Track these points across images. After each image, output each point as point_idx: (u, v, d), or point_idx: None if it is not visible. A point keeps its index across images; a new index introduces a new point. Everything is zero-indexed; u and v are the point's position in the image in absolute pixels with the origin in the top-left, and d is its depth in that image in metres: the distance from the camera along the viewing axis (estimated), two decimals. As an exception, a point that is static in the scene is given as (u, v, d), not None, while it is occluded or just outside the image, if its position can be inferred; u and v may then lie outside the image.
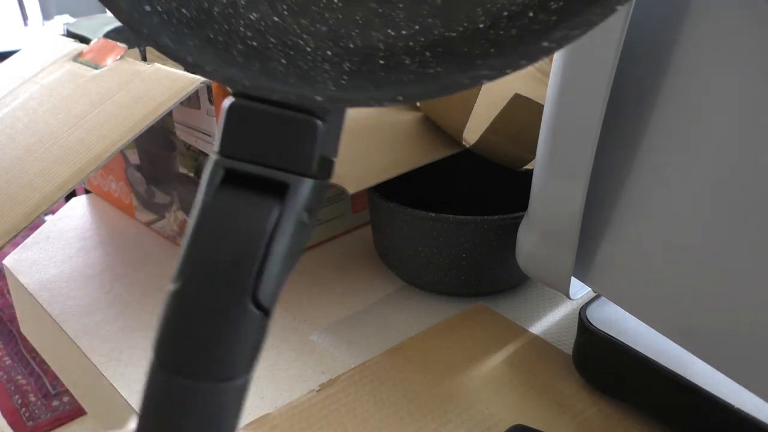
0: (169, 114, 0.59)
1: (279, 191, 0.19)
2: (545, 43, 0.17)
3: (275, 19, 0.20)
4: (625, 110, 0.37)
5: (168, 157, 0.62)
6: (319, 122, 0.19)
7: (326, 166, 0.20)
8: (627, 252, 0.39)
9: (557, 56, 0.38)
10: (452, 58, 0.18)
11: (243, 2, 0.20)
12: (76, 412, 1.51)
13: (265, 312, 0.19)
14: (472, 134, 0.59)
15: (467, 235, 0.53)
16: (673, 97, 0.35)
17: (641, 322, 0.39)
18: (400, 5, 0.19)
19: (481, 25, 0.19)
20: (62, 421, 1.49)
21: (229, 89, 0.19)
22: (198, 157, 0.58)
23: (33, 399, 1.55)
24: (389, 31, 0.19)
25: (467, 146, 0.58)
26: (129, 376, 0.49)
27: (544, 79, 0.73)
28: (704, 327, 0.36)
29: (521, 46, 0.17)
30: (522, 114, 0.50)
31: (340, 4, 0.20)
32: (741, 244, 0.33)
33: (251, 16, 0.20)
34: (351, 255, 0.64)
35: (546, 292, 0.58)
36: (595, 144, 0.36)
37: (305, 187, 0.19)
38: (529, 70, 0.75)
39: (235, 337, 0.18)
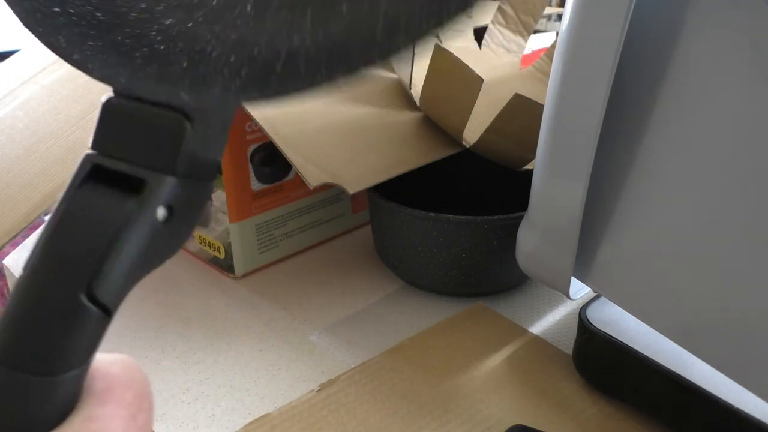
0: (169, 114, 0.59)
1: (137, 188, 0.18)
2: None
3: (189, 25, 0.19)
4: (625, 110, 0.37)
5: (168, 157, 0.62)
6: (186, 122, 0.18)
7: (201, 168, 0.19)
8: (627, 252, 0.39)
9: (557, 56, 0.38)
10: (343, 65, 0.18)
11: (160, 8, 0.20)
12: (76, 412, 1.51)
13: (105, 311, 0.18)
14: (472, 134, 0.59)
15: (467, 235, 0.53)
16: (673, 96, 0.35)
17: (641, 322, 0.39)
18: (307, 14, 0.19)
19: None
20: (62, 421, 1.49)
21: (110, 87, 0.19)
22: (198, 157, 0.58)
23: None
24: (293, 40, 0.19)
25: (467, 146, 0.58)
26: (129, 376, 0.48)
27: (544, 79, 0.73)
28: (704, 327, 0.36)
29: None
30: (522, 114, 0.50)
31: (253, 13, 0.19)
32: (741, 244, 0.33)
33: (166, 22, 0.19)
34: (351, 255, 0.64)
35: (546, 292, 0.58)
36: (595, 144, 0.36)
37: (165, 184, 0.18)
38: (529, 69, 0.75)
39: (64, 332, 0.18)
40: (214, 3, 0.20)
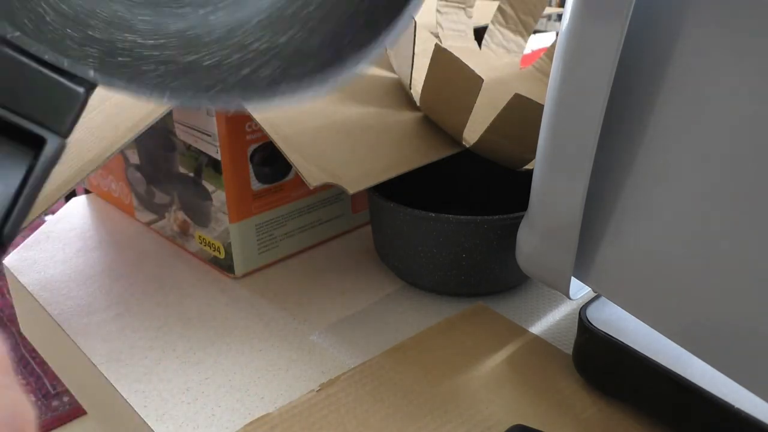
0: (169, 114, 0.59)
1: (35, 143, 0.20)
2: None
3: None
4: (625, 110, 0.37)
5: (168, 157, 0.62)
6: (84, 92, 0.21)
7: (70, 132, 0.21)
8: (627, 252, 0.39)
9: (557, 56, 0.38)
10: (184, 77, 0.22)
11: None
12: (76, 412, 1.51)
13: (3, 247, 0.20)
14: (472, 134, 0.59)
15: (467, 235, 0.53)
16: (673, 96, 0.35)
17: (641, 322, 0.39)
18: (142, 17, 0.23)
19: (206, 62, 0.23)
20: (62, 421, 1.49)
21: None
22: (198, 157, 0.58)
23: (33, 399, 1.55)
24: (128, 35, 0.22)
25: (467, 146, 0.58)
26: (129, 376, 0.49)
27: (544, 79, 0.73)
28: (704, 327, 0.36)
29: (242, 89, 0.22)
30: (522, 114, 0.50)
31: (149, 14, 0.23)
32: (741, 244, 0.33)
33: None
34: (351, 255, 0.64)
35: (546, 292, 0.58)
36: (596, 143, 0.36)
37: (59, 145, 0.20)
38: (529, 69, 0.75)
39: None
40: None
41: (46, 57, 0.20)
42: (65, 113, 0.20)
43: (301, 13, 0.24)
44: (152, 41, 0.23)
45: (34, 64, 0.20)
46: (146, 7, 0.23)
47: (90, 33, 0.22)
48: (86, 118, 0.54)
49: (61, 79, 0.20)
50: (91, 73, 0.20)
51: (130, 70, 0.22)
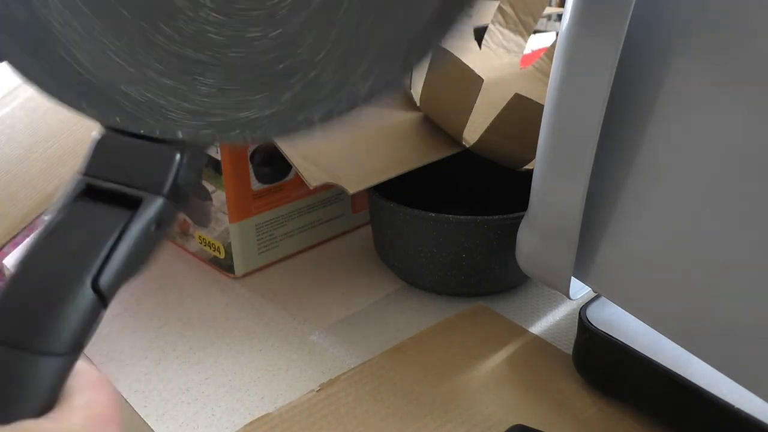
0: (169, 114, 0.59)
1: (134, 204, 0.22)
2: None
3: (148, 96, 0.25)
4: (625, 110, 0.37)
5: (168, 157, 0.62)
6: (178, 153, 0.22)
7: (181, 194, 0.23)
8: (627, 252, 0.39)
9: (557, 56, 0.38)
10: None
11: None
12: (76, 412, 1.51)
13: (102, 298, 0.21)
14: (472, 134, 0.59)
15: (467, 235, 0.53)
16: (673, 96, 0.35)
17: (641, 322, 0.39)
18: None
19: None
20: (62, 421, 1.49)
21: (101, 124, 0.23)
22: (198, 157, 0.58)
23: (33, 399, 1.55)
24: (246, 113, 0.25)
25: (467, 146, 0.58)
26: (129, 376, 0.49)
27: (544, 79, 0.73)
28: (704, 327, 0.36)
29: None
30: (522, 114, 0.50)
31: (213, 91, 0.26)
32: (741, 244, 0.33)
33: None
34: (351, 255, 0.64)
35: (546, 292, 0.58)
36: (595, 144, 0.36)
37: (157, 202, 0.22)
38: (529, 69, 0.75)
39: (65, 312, 0.20)
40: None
41: (142, 131, 0.22)
42: (162, 174, 0.22)
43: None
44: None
45: (133, 140, 0.22)
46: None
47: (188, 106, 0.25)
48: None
49: (155, 145, 0.22)
50: (180, 134, 0.22)
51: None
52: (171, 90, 0.25)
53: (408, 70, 0.23)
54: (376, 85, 0.23)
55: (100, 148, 0.23)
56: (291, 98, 0.24)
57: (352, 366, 0.49)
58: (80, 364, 0.22)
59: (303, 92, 0.25)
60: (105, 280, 0.20)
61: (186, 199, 0.23)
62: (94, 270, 0.20)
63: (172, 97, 0.25)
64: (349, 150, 0.54)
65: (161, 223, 0.22)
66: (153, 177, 0.22)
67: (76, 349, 0.20)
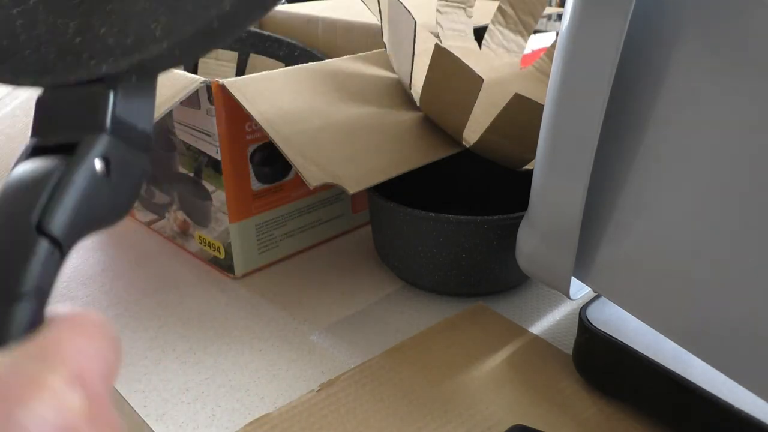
0: (169, 114, 0.59)
1: (73, 149, 0.21)
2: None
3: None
4: (625, 110, 0.37)
5: (168, 157, 0.62)
6: (109, 89, 0.21)
7: (131, 132, 0.22)
8: (627, 252, 0.39)
9: (557, 56, 0.38)
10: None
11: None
12: (76, 412, 1.51)
13: (55, 242, 0.20)
14: (472, 134, 0.59)
15: (467, 235, 0.53)
16: (673, 96, 0.35)
17: (641, 322, 0.39)
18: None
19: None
20: (62, 421, 1.49)
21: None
22: (198, 157, 0.58)
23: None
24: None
25: (467, 146, 0.58)
26: (129, 376, 0.49)
27: (544, 79, 0.73)
28: (704, 327, 0.36)
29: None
30: (522, 114, 0.50)
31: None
32: (741, 244, 0.33)
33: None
34: (351, 255, 0.64)
35: (546, 292, 0.58)
36: (595, 144, 0.36)
37: (98, 141, 0.21)
38: (529, 69, 0.75)
39: (18, 259, 0.19)
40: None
41: (69, 79, 0.21)
42: (96, 113, 0.21)
43: None
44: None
45: (67, 91, 0.22)
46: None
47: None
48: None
49: (85, 89, 0.22)
50: (103, 68, 0.21)
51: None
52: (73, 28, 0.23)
53: None
54: None
55: (40, 108, 0.22)
56: None
57: (352, 366, 0.49)
58: (60, 314, 0.20)
59: None
60: (53, 223, 0.19)
61: (144, 146, 0.22)
62: (36, 214, 0.19)
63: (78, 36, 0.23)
64: (349, 150, 0.54)
65: (112, 161, 0.21)
66: (89, 119, 0.21)
67: (35, 294, 0.19)
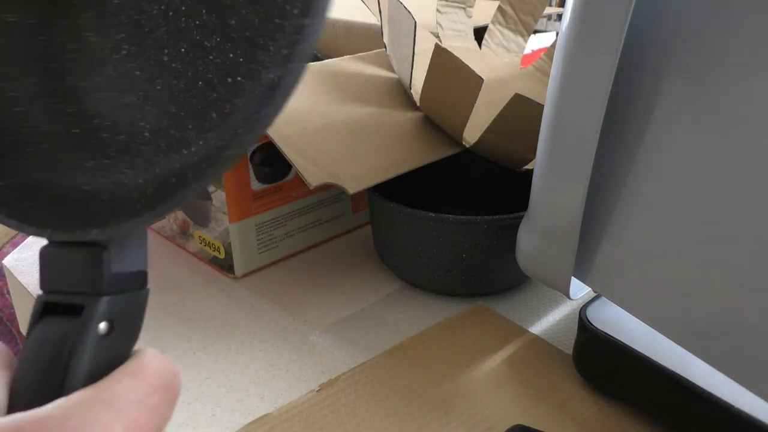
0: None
1: (77, 312, 0.22)
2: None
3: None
4: (625, 110, 0.37)
5: (168, 157, 0.62)
6: (104, 250, 0.22)
7: (128, 280, 0.23)
8: (627, 252, 0.39)
9: (557, 56, 0.38)
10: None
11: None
12: (76, 412, 1.51)
13: None
14: (472, 134, 0.59)
15: (467, 235, 0.53)
16: (673, 96, 0.35)
17: (641, 322, 0.39)
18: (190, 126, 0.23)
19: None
20: (62, 421, 1.49)
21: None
22: (198, 157, 0.58)
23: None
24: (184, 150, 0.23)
25: (467, 146, 0.58)
26: (129, 376, 0.48)
27: (544, 79, 0.73)
28: (704, 327, 0.36)
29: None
30: (522, 114, 0.50)
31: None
32: (741, 244, 0.33)
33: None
34: (351, 255, 0.64)
35: (546, 292, 0.58)
36: (595, 144, 0.36)
37: (99, 303, 0.22)
38: (529, 69, 0.75)
39: None
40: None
41: (60, 239, 0.22)
42: (92, 275, 0.22)
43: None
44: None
45: (60, 249, 0.23)
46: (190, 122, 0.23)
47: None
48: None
49: (79, 247, 0.22)
50: (94, 232, 0.22)
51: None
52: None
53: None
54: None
55: (44, 261, 0.23)
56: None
57: (352, 366, 0.49)
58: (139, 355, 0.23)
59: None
60: (72, 387, 0.21)
61: (142, 284, 0.23)
62: (57, 384, 0.21)
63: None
64: (349, 150, 0.54)
65: (116, 320, 0.22)
66: (88, 281, 0.22)
67: None
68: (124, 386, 0.21)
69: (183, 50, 0.22)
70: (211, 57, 0.21)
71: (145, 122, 0.23)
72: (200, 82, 0.21)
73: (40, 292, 0.23)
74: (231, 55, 0.21)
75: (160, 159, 0.22)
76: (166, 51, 0.22)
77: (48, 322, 0.22)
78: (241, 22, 0.20)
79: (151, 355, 0.23)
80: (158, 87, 0.22)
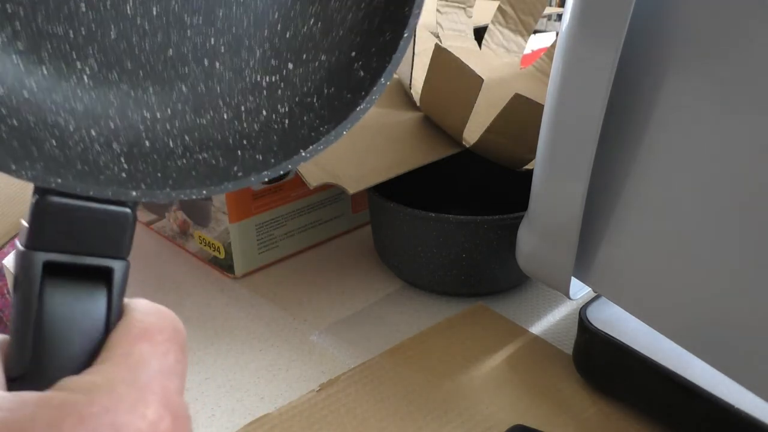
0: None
1: (104, 276, 0.21)
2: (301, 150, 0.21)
3: (25, 94, 0.20)
4: (625, 110, 0.37)
5: (168, 157, 0.62)
6: (130, 212, 0.21)
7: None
8: (627, 252, 0.39)
9: (557, 56, 0.38)
10: (212, 144, 0.22)
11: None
12: (76, 412, 1.51)
13: None
14: (472, 134, 0.59)
15: (467, 235, 0.53)
16: (673, 96, 0.35)
17: (641, 322, 0.39)
18: (150, 89, 0.22)
19: (225, 116, 0.22)
20: (62, 421, 1.49)
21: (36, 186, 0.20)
22: (198, 157, 0.58)
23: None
24: (145, 112, 0.22)
25: (467, 146, 0.58)
26: (129, 376, 0.48)
27: (544, 79, 0.73)
28: (704, 327, 0.36)
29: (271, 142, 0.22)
30: (522, 114, 0.50)
31: (91, 83, 0.21)
32: (741, 244, 0.33)
33: None
34: (351, 255, 0.64)
35: (546, 292, 0.58)
36: (595, 144, 0.36)
37: (125, 268, 0.21)
38: (529, 69, 0.75)
39: None
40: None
41: (91, 193, 0.20)
42: (121, 237, 0.21)
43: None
44: (168, 126, 0.22)
45: (82, 204, 0.20)
46: (151, 85, 0.22)
47: (115, 147, 0.22)
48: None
49: (110, 209, 0.21)
50: (134, 194, 0.21)
51: (163, 170, 0.22)
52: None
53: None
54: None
55: (44, 215, 0.20)
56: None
57: (352, 366, 0.49)
58: (140, 313, 0.22)
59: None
60: None
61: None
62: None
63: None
64: (349, 150, 0.54)
65: (124, 285, 0.22)
66: (115, 242, 0.21)
67: None
68: (141, 354, 0.20)
69: None
70: None
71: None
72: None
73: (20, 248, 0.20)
74: None
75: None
76: None
77: (64, 289, 0.20)
78: None
79: (146, 307, 0.22)
80: None
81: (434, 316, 0.55)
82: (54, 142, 0.20)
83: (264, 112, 0.23)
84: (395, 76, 0.65)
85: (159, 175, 0.21)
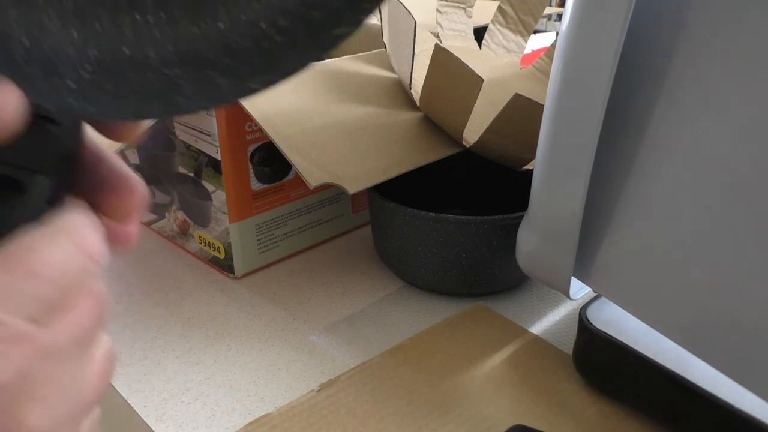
0: (169, 114, 0.59)
1: (19, 188, 0.20)
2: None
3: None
4: (625, 110, 0.37)
5: (168, 157, 0.62)
6: (54, 127, 0.20)
7: (65, 168, 0.21)
8: (627, 252, 0.39)
9: (557, 56, 0.38)
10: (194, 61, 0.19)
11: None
12: (76, 412, 1.51)
13: None
14: (472, 134, 0.59)
15: (467, 235, 0.53)
16: (673, 96, 0.35)
17: (641, 322, 0.39)
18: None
19: (221, 25, 0.19)
20: (62, 421, 1.49)
21: None
22: (198, 157, 0.58)
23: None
24: (136, 15, 0.19)
25: (467, 146, 0.58)
26: (129, 376, 0.49)
27: (544, 79, 0.73)
28: (704, 327, 0.36)
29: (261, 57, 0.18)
30: (522, 114, 0.50)
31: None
32: (741, 244, 0.33)
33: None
34: (351, 255, 0.64)
35: (546, 292, 0.58)
36: (595, 144, 0.36)
37: (44, 182, 0.20)
38: (529, 69, 0.75)
39: None
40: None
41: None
42: (44, 148, 0.20)
43: None
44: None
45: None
46: None
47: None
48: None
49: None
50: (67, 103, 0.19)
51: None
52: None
53: None
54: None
55: None
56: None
57: (352, 366, 0.49)
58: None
59: None
60: None
61: (73, 171, 0.22)
62: None
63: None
64: (349, 150, 0.54)
65: (51, 201, 0.21)
66: (40, 158, 0.20)
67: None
68: (78, 216, 0.21)
69: None
70: None
71: None
72: None
73: None
74: None
75: None
76: None
77: None
78: None
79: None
80: None
81: (434, 316, 0.55)
82: (26, 41, 0.19)
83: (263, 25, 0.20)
84: (395, 75, 0.65)
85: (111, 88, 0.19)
